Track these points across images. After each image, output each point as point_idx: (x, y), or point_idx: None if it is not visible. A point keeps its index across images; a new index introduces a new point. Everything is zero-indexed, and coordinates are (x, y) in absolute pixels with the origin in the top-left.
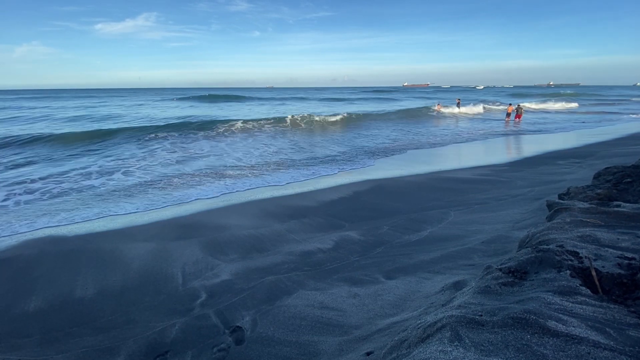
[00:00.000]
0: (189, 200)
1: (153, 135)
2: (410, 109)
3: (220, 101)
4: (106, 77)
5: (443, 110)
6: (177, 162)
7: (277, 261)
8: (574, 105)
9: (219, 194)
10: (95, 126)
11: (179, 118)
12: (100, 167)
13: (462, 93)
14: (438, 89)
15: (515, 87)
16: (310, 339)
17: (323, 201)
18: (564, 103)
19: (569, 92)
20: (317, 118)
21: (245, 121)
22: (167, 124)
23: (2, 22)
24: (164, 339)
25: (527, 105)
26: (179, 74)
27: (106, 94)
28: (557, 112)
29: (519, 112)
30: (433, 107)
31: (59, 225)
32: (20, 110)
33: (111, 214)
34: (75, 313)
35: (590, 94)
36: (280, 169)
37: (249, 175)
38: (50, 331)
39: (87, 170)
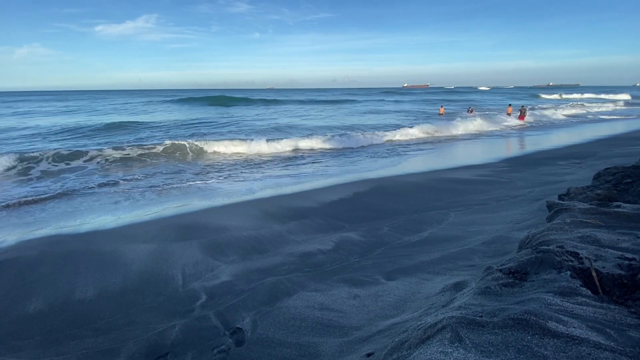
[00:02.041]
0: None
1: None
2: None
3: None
4: (106, 79)
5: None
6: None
7: (277, 262)
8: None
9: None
10: None
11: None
12: None
13: (465, 94)
14: (441, 90)
15: (516, 87)
16: (311, 340)
17: (323, 202)
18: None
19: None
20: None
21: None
22: None
23: (3, 23)
24: (164, 341)
25: (552, 109)
26: (178, 76)
27: (84, 96)
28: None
29: (522, 114)
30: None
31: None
32: None
33: None
34: (75, 314)
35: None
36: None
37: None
38: (50, 333)
39: None
